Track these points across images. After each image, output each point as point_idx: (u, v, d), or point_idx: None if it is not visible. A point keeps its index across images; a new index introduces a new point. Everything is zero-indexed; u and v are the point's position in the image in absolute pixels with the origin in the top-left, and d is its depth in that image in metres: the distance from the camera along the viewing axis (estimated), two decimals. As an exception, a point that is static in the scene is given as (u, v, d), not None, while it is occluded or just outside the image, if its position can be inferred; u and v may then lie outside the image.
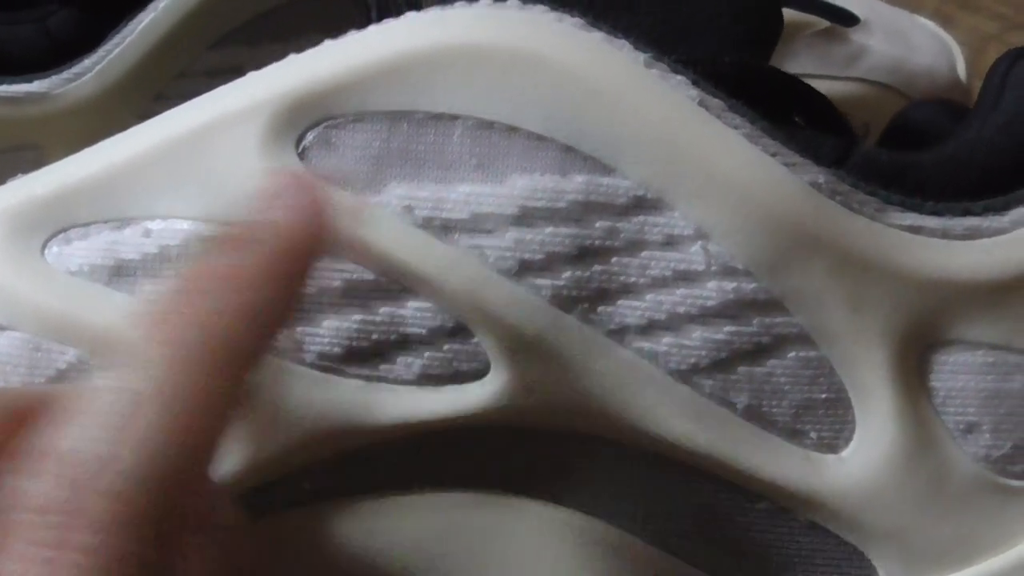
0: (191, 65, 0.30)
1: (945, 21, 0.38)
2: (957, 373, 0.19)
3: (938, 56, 0.35)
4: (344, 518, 0.20)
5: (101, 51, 0.29)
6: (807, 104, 0.20)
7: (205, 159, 0.19)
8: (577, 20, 0.19)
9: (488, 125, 0.18)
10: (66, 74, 0.29)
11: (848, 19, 0.33)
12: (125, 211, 0.19)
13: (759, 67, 0.20)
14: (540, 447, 0.19)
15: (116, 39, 0.29)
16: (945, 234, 0.18)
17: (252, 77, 0.19)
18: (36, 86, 0.29)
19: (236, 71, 0.29)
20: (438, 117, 0.19)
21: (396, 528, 0.20)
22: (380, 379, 0.19)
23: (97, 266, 0.19)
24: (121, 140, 0.20)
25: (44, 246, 0.19)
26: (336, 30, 0.24)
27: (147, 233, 0.19)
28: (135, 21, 0.29)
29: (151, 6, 0.29)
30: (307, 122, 0.19)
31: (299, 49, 0.27)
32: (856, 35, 0.34)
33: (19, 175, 0.22)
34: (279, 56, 0.28)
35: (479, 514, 0.20)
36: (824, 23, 0.33)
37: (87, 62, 0.29)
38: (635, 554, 0.20)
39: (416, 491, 0.20)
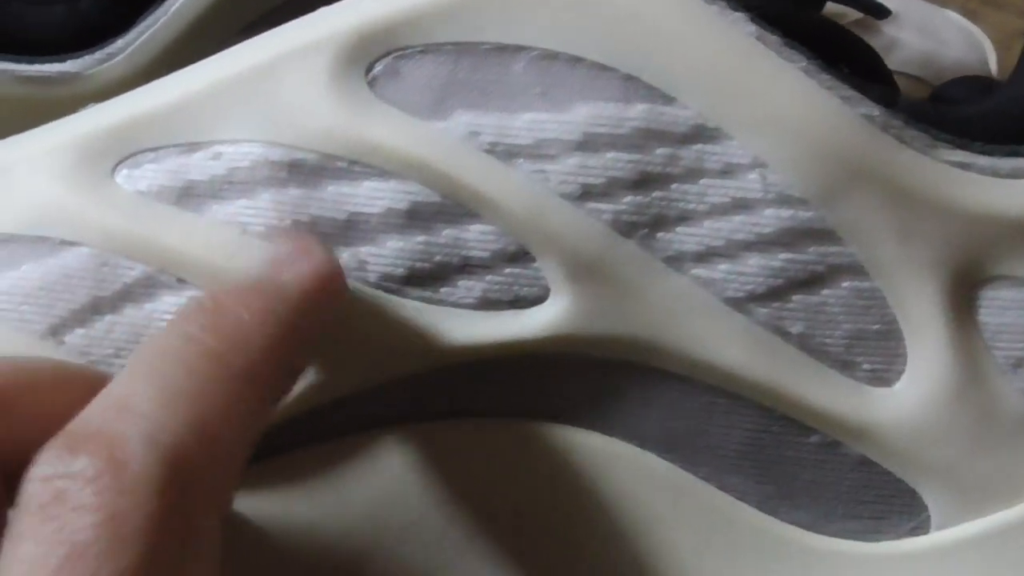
0: (220, 48, 0.30)
1: (971, 17, 0.39)
2: (1006, 309, 0.19)
3: (968, 50, 0.36)
4: (402, 443, 0.20)
5: (133, 32, 0.29)
6: (855, 53, 0.21)
7: (275, 87, 0.19)
8: (642, -40, 0.19)
9: (552, 56, 0.19)
10: (98, 55, 0.30)
11: (880, 11, 0.34)
12: (195, 136, 0.20)
13: (809, 14, 0.20)
14: (594, 377, 0.20)
15: (149, 20, 0.29)
16: (994, 172, 0.19)
17: (321, 12, 0.20)
18: (68, 66, 0.30)
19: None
20: (503, 48, 0.19)
21: (451, 455, 0.20)
22: (440, 302, 0.19)
23: (165, 187, 0.19)
24: (189, 72, 0.20)
25: (114, 169, 0.20)
26: None
27: (216, 156, 0.19)
28: (168, 3, 0.29)
29: (184, -12, 0.29)
30: (375, 53, 0.19)
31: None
32: (888, 28, 0.35)
33: None
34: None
35: (531, 443, 0.20)
36: (856, 15, 0.34)
37: (119, 43, 0.30)
38: (685, 487, 0.20)
39: (471, 419, 0.20)
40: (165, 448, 0.14)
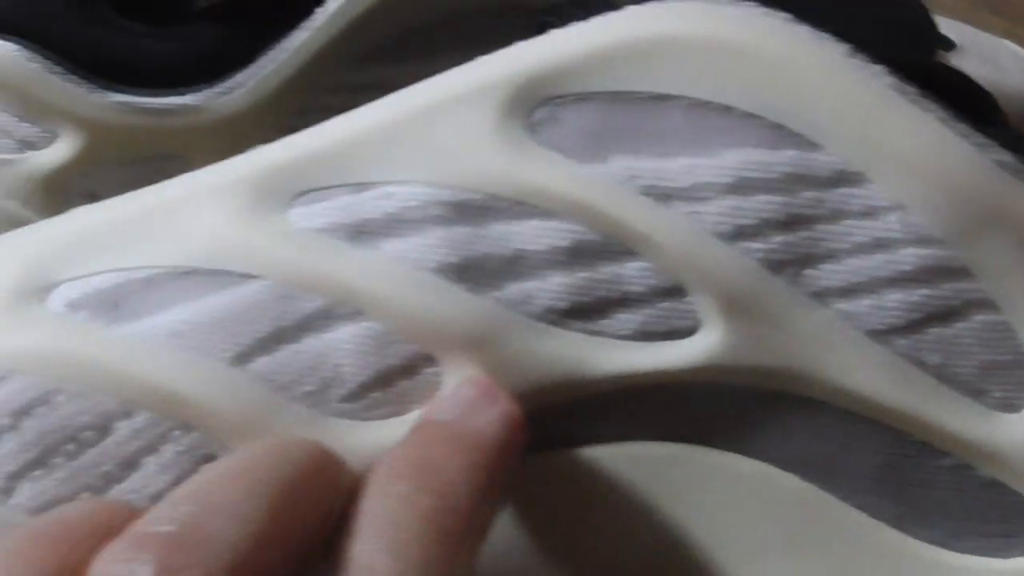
0: (337, 81, 0.31)
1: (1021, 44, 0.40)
2: None
3: (1024, 78, 0.37)
4: (559, 467, 0.21)
5: (254, 67, 0.31)
6: (978, 102, 0.22)
7: (442, 132, 0.21)
8: (785, 15, 0.21)
9: (703, 104, 0.20)
10: (218, 88, 0.31)
11: (947, 44, 0.35)
12: (364, 176, 0.21)
13: (937, 64, 0.22)
14: (740, 404, 0.21)
15: (271, 55, 0.31)
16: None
17: (482, 61, 0.21)
18: (188, 99, 0.31)
19: (378, 87, 0.31)
20: (656, 97, 0.21)
21: (607, 478, 0.21)
22: (599, 333, 0.21)
23: (339, 224, 0.21)
24: (356, 115, 0.22)
25: (287, 206, 0.21)
26: (480, 47, 0.26)
27: (387, 196, 0.21)
28: (290, 39, 0.31)
29: (305, 24, 0.31)
30: (535, 100, 0.21)
31: (438, 68, 0.29)
32: (954, 60, 0.36)
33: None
34: (421, 74, 0.31)
35: (682, 466, 0.21)
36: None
37: (239, 77, 0.31)
38: (824, 507, 0.21)
39: (625, 442, 0.21)
40: None
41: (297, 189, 0.21)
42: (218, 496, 0.17)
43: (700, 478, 0.21)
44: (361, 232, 0.21)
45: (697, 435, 0.21)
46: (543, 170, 0.20)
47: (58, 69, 0.31)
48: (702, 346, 0.21)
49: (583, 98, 0.21)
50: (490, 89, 0.21)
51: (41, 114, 0.32)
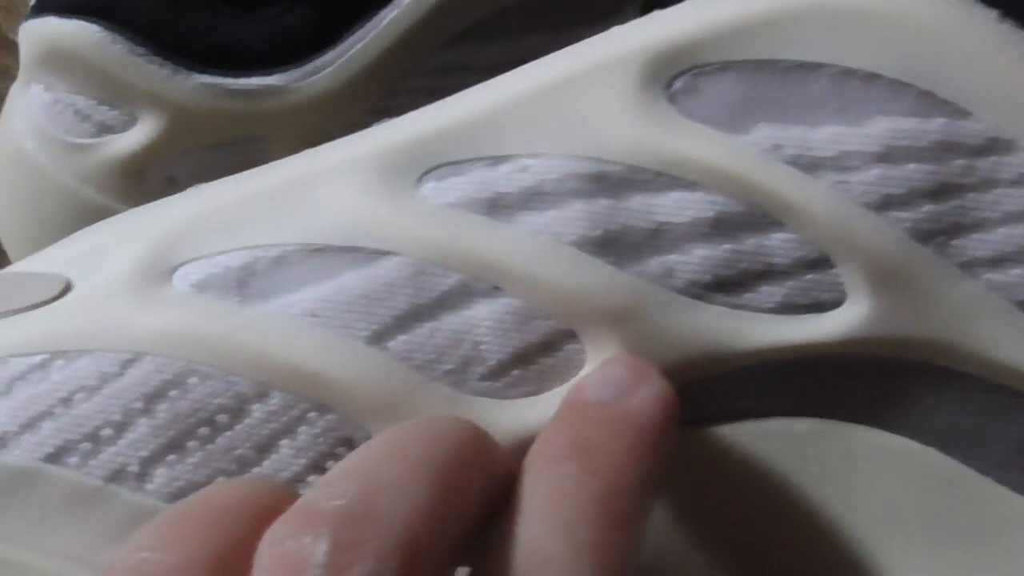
0: (425, 61, 0.31)
1: None
2: None
3: None
4: (701, 443, 0.21)
5: (343, 46, 0.30)
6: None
7: (579, 103, 0.20)
8: (930, -21, 0.20)
9: (850, 73, 0.20)
10: (305, 68, 0.31)
11: None
12: (498, 150, 0.21)
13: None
14: (883, 377, 0.21)
15: (358, 34, 0.30)
16: None
17: (618, 31, 0.21)
18: (275, 80, 0.31)
19: (465, 68, 0.31)
20: (801, 65, 0.20)
21: (747, 455, 0.21)
22: (742, 307, 0.20)
23: (474, 198, 0.20)
24: (487, 87, 0.21)
25: (418, 181, 0.21)
26: (570, 27, 0.26)
27: (524, 169, 0.20)
28: (378, 17, 0.30)
29: (394, 4, 0.30)
30: (675, 70, 0.20)
31: (527, 48, 0.28)
32: None
33: (245, 167, 0.24)
34: (507, 56, 0.30)
35: (823, 441, 0.21)
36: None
37: (327, 57, 0.30)
38: (966, 482, 0.21)
39: (768, 418, 0.21)
40: None
41: (429, 164, 0.21)
42: (384, 472, 0.17)
43: (840, 454, 0.21)
44: (497, 206, 0.20)
45: (838, 410, 0.21)
46: (686, 140, 0.20)
47: (141, 51, 0.30)
48: (847, 318, 0.20)
49: (725, 67, 0.20)
50: (629, 59, 0.20)
51: (122, 97, 0.31)
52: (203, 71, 0.31)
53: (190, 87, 0.31)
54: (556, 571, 0.16)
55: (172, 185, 0.33)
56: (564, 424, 0.19)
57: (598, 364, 0.20)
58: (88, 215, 0.33)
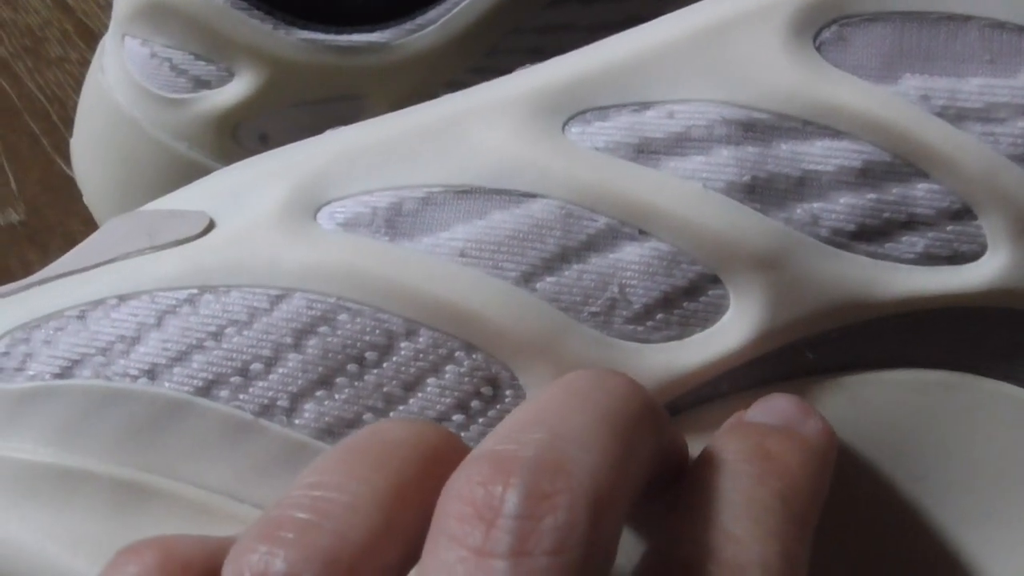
0: (528, 20, 0.31)
1: None
2: None
3: None
4: (836, 390, 0.21)
5: (447, 3, 0.30)
6: None
7: (728, 50, 0.21)
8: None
9: (1000, 24, 0.20)
10: (409, 25, 0.31)
11: None
12: (645, 95, 0.21)
13: None
14: (1014, 329, 0.21)
15: (463, -9, 0.30)
16: None
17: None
18: (377, 36, 0.31)
19: (566, 28, 0.31)
20: (951, 17, 0.20)
21: (880, 403, 0.21)
22: (885, 256, 0.20)
23: (621, 143, 0.21)
24: (634, 33, 0.21)
25: (564, 125, 0.21)
26: None
27: (671, 114, 0.21)
28: (484, -27, 0.30)
29: (499, -38, 0.30)
30: (823, 20, 0.21)
31: (631, 9, 0.29)
32: None
33: (337, 126, 0.24)
34: (610, 15, 0.30)
35: (952, 393, 0.21)
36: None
37: (432, 13, 0.31)
38: (1097, 436, 0.21)
39: (900, 368, 0.21)
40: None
41: (575, 108, 0.21)
42: (569, 425, 0.17)
43: (968, 405, 0.21)
44: (644, 151, 0.20)
45: (969, 362, 0.21)
46: (834, 89, 0.20)
47: (243, 4, 0.30)
48: (988, 270, 0.20)
49: (873, 18, 0.20)
50: (777, 8, 0.20)
51: (220, 52, 0.31)
52: (305, 26, 0.31)
53: (291, 42, 0.31)
54: (744, 552, 0.17)
55: (265, 142, 0.33)
56: (740, 434, 0.19)
57: (741, 312, 0.20)
58: (179, 170, 0.33)
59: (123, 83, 0.33)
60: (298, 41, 0.31)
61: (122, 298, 0.21)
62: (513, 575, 0.15)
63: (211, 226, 0.21)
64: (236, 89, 0.32)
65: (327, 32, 0.31)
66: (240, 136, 0.32)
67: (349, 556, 0.16)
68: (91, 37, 0.45)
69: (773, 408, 0.20)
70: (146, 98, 0.32)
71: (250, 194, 0.21)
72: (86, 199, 0.36)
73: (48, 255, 0.39)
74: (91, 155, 0.35)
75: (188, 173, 0.29)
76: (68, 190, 0.37)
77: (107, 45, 0.34)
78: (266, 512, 0.17)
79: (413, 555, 0.17)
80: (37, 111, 0.43)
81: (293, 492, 0.17)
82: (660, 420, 0.19)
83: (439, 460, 0.18)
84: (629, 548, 0.19)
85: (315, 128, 0.25)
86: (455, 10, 0.30)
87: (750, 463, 0.18)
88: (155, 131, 0.33)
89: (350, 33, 0.31)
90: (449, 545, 0.16)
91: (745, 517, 0.17)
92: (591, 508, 0.16)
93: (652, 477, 0.18)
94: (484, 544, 0.15)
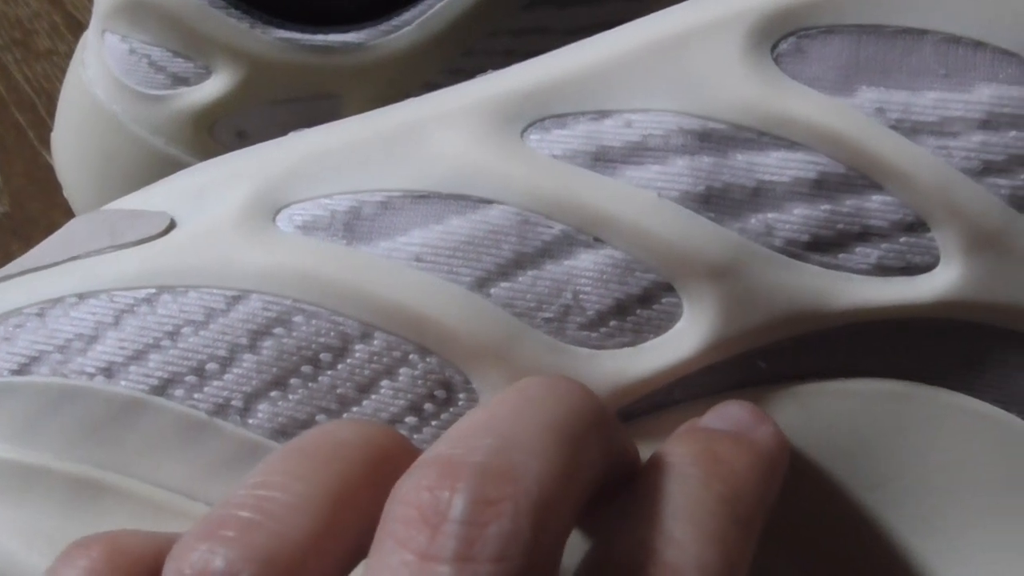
0: (504, 23, 0.31)
1: None
2: None
3: None
4: (788, 400, 0.21)
5: (423, 5, 0.31)
6: None
7: (686, 60, 0.21)
8: (1037, -49, 0.21)
9: (955, 39, 0.20)
10: (385, 26, 0.31)
11: None
12: (604, 104, 0.21)
13: None
14: (970, 342, 0.21)
15: (438, -7, 0.31)
16: None
17: (723, -8, 0.21)
18: (353, 36, 0.31)
19: (542, 31, 0.31)
20: (907, 31, 0.20)
21: (832, 413, 0.21)
22: (838, 267, 0.21)
23: (579, 151, 0.21)
24: (594, 42, 0.22)
25: (523, 132, 0.21)
26: None
27: (629, 124, 0.21)
28: (459, -24, 0.30)
29: (476, -38, 0.30)
30: (781, 32, 0.21)
31: (607, 13, 0.29)
32: None
33: (316, 124, 0.24)
34: (586, 19, 0.30)
35: (905, 403, 0.21)
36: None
37: (408, 15, 0.31)
38: (1048, 448, 0.21)
39: (852, 378, 0.21)
40: None
41: (535, 116, 0.21)
42: (518, 431, 0.17)
43: (921, 416, 0.21)
44: (602, 160, 0.21)
45: (923, 372, 0.21)
46: (791, 101, 0.20)
47: (221, 3, 0.31)
48: (940, 282, 0.21)
49: (831, 31, 0.21)
50: (736, 19, 0.21)
51: (198, 49, 0.31)
52: (282, 26, 0.31)
53: (267, 41, 0.31)
54: (682, 555, 0.17)
55: (242, 139, 0.33)
56: (689, 439, 0.19)
57: (694, 320, 0.20)
58: (157, 166, 0.33)
59: (103, 78, 0.33)
60: (275, 40, 0.31)
61: (81, 296, 0.21)
62: None
63: (172, 226, 0.21)
64: (214, 86, 0.32)
65: (304, 31, 0.31)
66: (218, 133, 0.33)
67: (289, 555, 0.16)
68: (80, 30, 0.45)
69: (726, 414, 0.20)
70: (125, 94, 0.33)
71: (211, 195, 0.21)
72: (66, 192, 0.36)
73: (31, 247, 0.40)
74: (71, 149, 0.35)
75: (166, 169, 0.29)
76: (53, 183, 0.37)
77: (88, 40, 0.34)
78: (211, 510, 0.17)
79: (356, 556, 0.17)
80: (24, 103, 0.43)
81: (238, 491, 0.17)
82: (611, 427, 0.19)
83: (387, 462, 0.18)
84: (578, 553, 0.19)
85: (293, 126, 0.25)
86: (431, 11, 0.30)
87: (696, 466, 0.18)
88: (134, 127, 0.33)
89: (327, 33, 0.31)
90: (394, 548, 0.16)
91: (687, 520, 0.17)
92: (536, 515, 0.16)
93: (602, 483, 0.18)
94: (429, 548, 0.16)
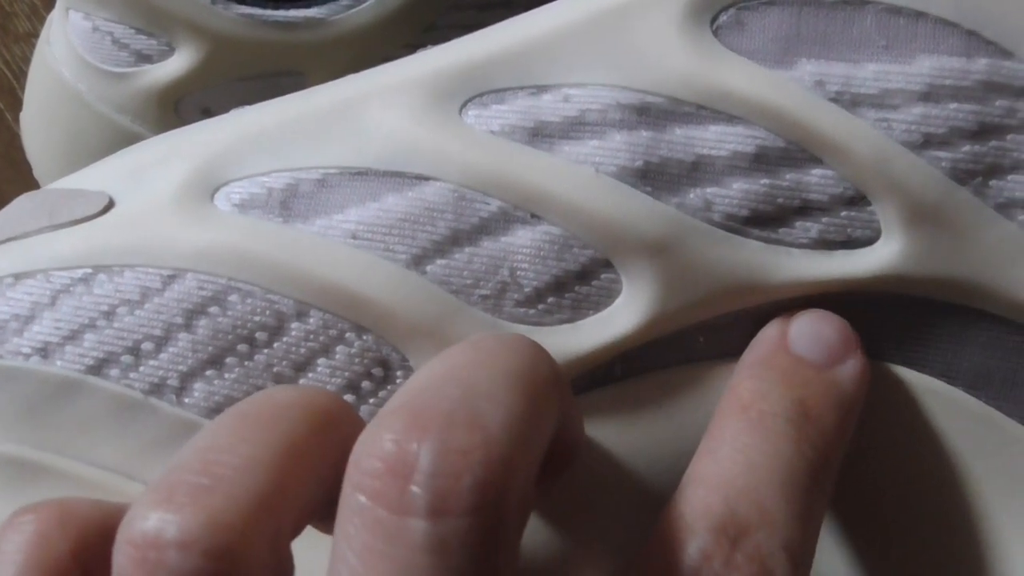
0: (468, -4, 0.31)
1: None
2: None
3: None
4: (728, 375, 0.21)
5: (383, -20, 0.30)
6: None
7: (624, 34, 0.20)
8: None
9: (896, 10, 0.20)
10: (345, 1, 0.31)
11: None
12: (542, 79, 0.21)
13: None
14: (913, 316, 0.21)
15: (399, -32, 0.30)
16: None
17: (664, -38, 0.21)
18: (315, 12, 0.31)
19: (504, 5, 0.31)
20: (848, 2, 0.20)
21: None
22: (778, 241, 0.20)
23: (517, 127, 0.20)
24: (532, 16, 0.21)
25: (462, 108, 0.21)
26: None
27: (566, 98, 0.20)
28: (419, -49, 0.30)
29: (436, -62, 0.30)
30: (721, 4, 0.20)
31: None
32: None
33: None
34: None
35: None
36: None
37: (368, -10, 0.30)
38: (993, 422, 0.21)
39: (797, 354, 0.21)
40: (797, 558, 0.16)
41: (473, 91, 0.21)
42: (479, 382, 0.17)
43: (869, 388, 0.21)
44: (539, 135, 0.20)
45: (867, 347, 0.21)
46: (729, 74, 0.20)
47: (181, -20, 0.30)
48: (881, 256, 0.20)
49: (771, 3, 0.20)
50: (673, -8, 0.20)
51: (160, 26, 0.31)
52: (243, 1, 0.31)
53: (229, 18, 0.31)
54: (773, 525, 0.17)
55: (207, 116, 0.33)
56: (781, 377, 0.19)
57: (633, 296, 0.20)
58: (123, 143, 0.33)
59: (68, 56, 0.33)
60: (236, 16, 0.31)
61: (17, 277, 0.21)
62: (433, 535, 0.15)
63: (110, 205, 0.21)
64: (177, 64, 0.32)
65: (265, 7, 0.31)
66: (182, 110, 0.33)
67: (243, 517, 0.16)
68: (57, 10, 0.44)
69: (818, 337, 0.20)
70: (89, 72, 0.32)
71: (150, 174, 0.21)
72: (35, 172, 0.36)
73: (7, 226, 0.39)
74: (38, 128, 0.35)
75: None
76: (30, 165, 0.37)
77: (54, 18, 0.34)
78: (159, 476, 0.17)
79: (307, 517, 0.17)
80: (2, 86, 0.43)
81: (185, 456, 0.17)
82: (564, 387, 0.19)
83: (330, 423, 0.18)
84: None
85: (256, 102, 0.25)
86: (390, -14, 0.30)
87: (789, 424, 0.18)
88: (99, 104, 0.33)
89: (287, 8, 0.31)
90: (364, 504, 0.16)
91: (780, 494, 0.18)
92: (505, 465, 0.16)
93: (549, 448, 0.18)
94: (400, 503, 0.15)
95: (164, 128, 0.33)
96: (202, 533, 0.15)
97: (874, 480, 0.21)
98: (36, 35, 0.44)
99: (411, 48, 0.31)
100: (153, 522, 0.16)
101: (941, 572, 0.21)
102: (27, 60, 0.44)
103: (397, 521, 0.15)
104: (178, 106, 0.33)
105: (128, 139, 0.33)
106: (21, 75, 0.43)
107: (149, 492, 0.16)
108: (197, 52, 0.31)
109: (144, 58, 0.32)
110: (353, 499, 0.16)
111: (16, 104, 0.42)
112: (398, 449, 0.15)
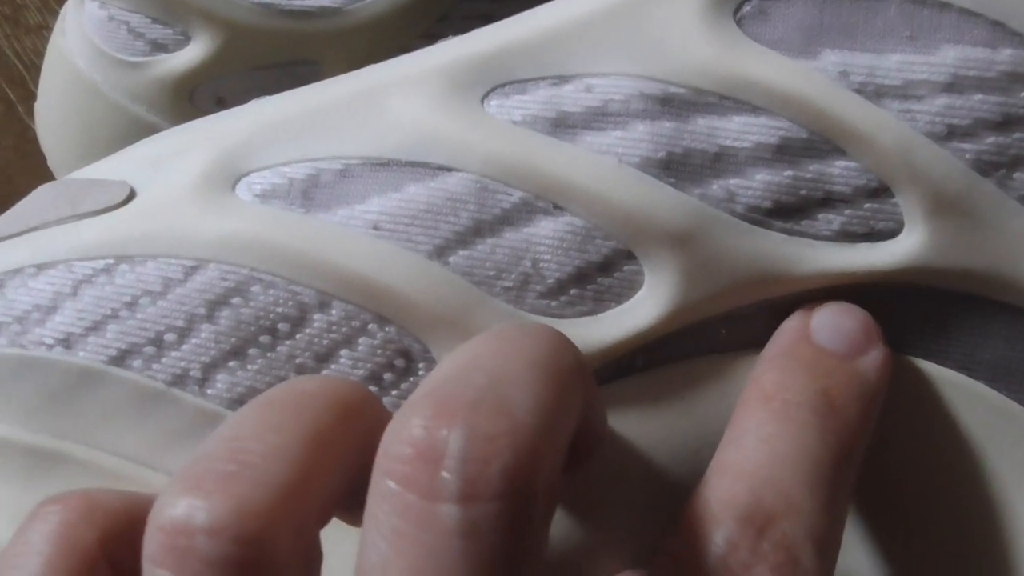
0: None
1: None
2: None
3: None
4: (750, 367, 0.21)
5: (399, -31, 0.30)
6: None
7: (647, 23, 0.20)
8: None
9: (921, 1, 0.20)
10: (361, -10, 0.31)
11: None
12: (564, 69, 0.21)
13: None
14: (935, 307, 0.21)
15: (415, -42, 0.30)
16: None
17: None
18: (330, 1, 0.31)
19: (521, -3, 0.31)
20: (872, -8, 0.20)
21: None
22: (801, 233, 0.20)
23: (539, 117, 0.20)
24: (555, 6, 0.21)
25: (483, 99, 0.21)
26: None
27: (589, 88, 0.20)
28: (435, -59, 0.30)
29: (453, -74, 0.30)
30: (744, -7, 0.20)
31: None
32: None
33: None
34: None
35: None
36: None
37: (384, -21, 0.30)
38: (1013, 414, 0.21)
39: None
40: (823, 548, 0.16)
41: (495, 81, 0.21)
42: (506, 369, 0.17)
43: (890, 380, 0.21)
44: (562, 126, 0.20)
45: (889, 339, 0.21)
46: (752, 64, 0.20)
47: (197, -31, 0.30)
48: (904, 248, 0.20)
49: None
50: (696, -19, 0.20)
51: (176, 15, 0.31)
52: (258, -9, 0.31)
53: (244, 7, 0.31)
54: (799, 514, 0.17)
55: (221, 105, 0.33)
56: (804, 367, 0.19)
57: (655, 288, 0.20)
58: (137, 133, 0.33)
59: (83, 46, 0.33)
60: (252, 5, 0.30)
61: (40, 267, 0.21)
62: (464, 520, 0.15)
63: (132, 195, 0.21)
64: (192, 53, 0.32)
65: (280, -3, 0.30)
66: (197, 100, 0.33)
67: (271, 504, 0.16)
68: (68, 1, 0.44)
69: (840, 328, 0.20)
70: (105, 61, 0.32)
71: (172, 164, 0.21)
72: (50, 163, 0.36)
73: (20, 217, 0.39)
74: (53, 118, 0.35)
75: (146, 136, 0.29)
76: (42, 157, 0.37)
77: (69, 8, 0.34)
78: (186, 465, 0.17)
79: (332, 506, 0.17)
80: (14, 78, 0.43)
81: (212, 445, 0.17)
82: (588, 377, 0.19)
83: (355, 412, 0.18)
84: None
85: (272, 92, 0.25)
86: (407, -24, 0.30)
87: (814, 415, 0.18)
88: (114, 94, 0.33)
89: (303, -2, 0.30)
90: (394, 489, 0.16)
91: (805, 484, 0.18)
92: (534, 451, 0.16)
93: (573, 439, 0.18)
94: (431, 488, 0.15)
95: (179, 118, 0.33)
96: (231, 520, 0.16)
97: (895, 472, 0.21)
98: (47, 27, 0.44)
99: (426, 37, 0.31)
100: (182, 509, 0.16)
101: (963, 562, 0.21)
102: (38, 52, 0.44)
103: (428, 506, 0.15)
104: (193, 95, 0.33)
105: (143, 129, 0.33)
106: (32, 67, 0.43)
107: (177, 480, 0.16)
108: (212, 41, 0.31)
109: (159, 47, 0.32)
110: (383, 485, 0.16)
111: (28, 96, 0.42)
112: (427, 435, 0.16)
